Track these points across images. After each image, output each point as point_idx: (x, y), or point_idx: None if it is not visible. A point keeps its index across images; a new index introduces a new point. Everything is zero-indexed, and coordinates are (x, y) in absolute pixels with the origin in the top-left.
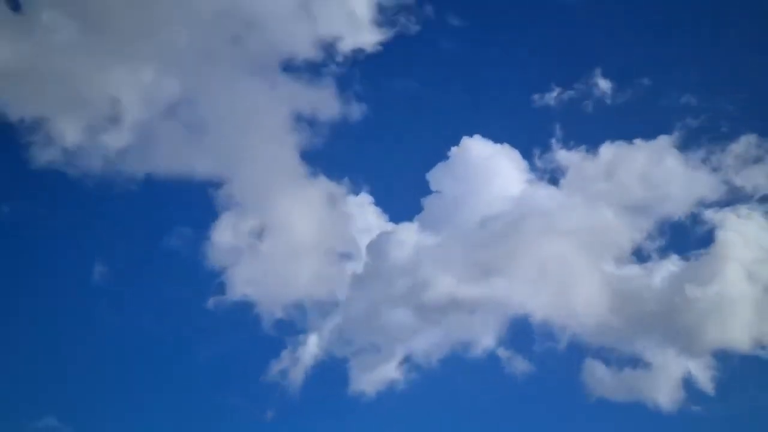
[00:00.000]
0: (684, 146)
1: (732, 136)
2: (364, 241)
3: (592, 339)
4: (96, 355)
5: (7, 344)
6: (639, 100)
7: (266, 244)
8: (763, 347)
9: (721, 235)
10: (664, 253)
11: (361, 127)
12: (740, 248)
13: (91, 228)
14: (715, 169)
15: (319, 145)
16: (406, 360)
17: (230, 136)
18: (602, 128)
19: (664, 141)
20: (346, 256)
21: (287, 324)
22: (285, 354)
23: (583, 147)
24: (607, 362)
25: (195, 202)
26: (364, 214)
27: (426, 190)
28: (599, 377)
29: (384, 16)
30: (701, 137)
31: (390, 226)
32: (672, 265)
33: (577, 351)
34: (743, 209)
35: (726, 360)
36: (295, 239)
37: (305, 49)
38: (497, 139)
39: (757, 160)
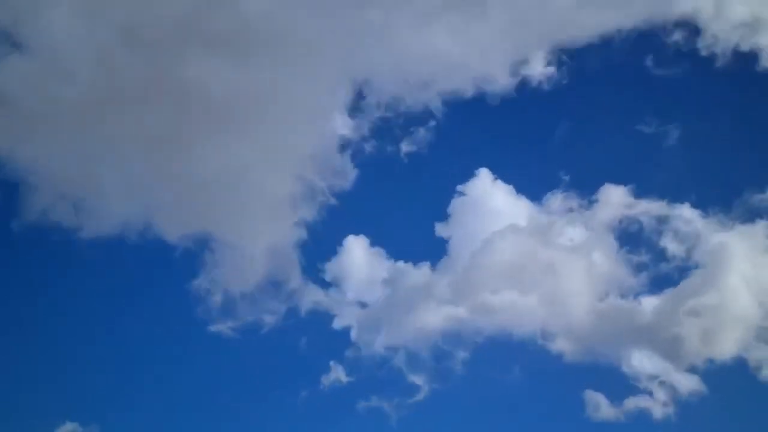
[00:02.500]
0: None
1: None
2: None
3: (587, 359)
4: (116, 358)
5: (23, 351)
6: (638, 145)
7: None
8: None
9: (708, 254)
10: (658, 284)
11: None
12: (728, 265)
13: None
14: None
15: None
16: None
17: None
18: (603, 171)
19: (661, 182)
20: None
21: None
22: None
23: (585, 189)
24: (600, 380)
25: None
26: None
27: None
28: (595, 401)
29: None
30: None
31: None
32: (664, 294)
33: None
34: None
35: (718, 375)
36: None
37: None
38: (502, 179)
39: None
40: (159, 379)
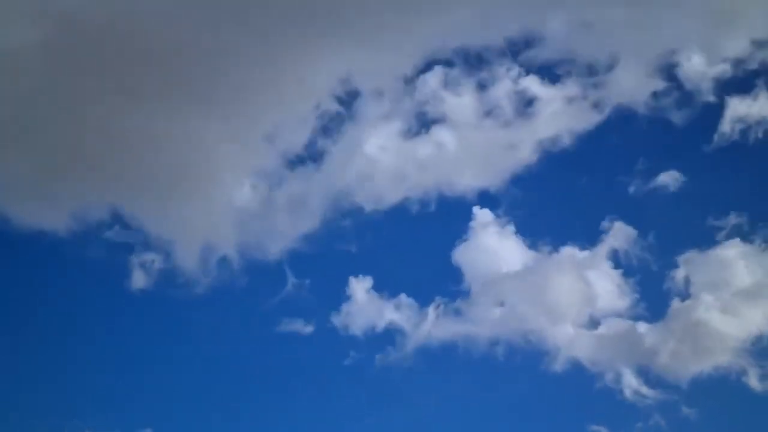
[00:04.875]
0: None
1: None
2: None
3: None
4: (128, 362)
5: (35, 358)
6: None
7: None
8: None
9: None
10: (655, 308)
11: None
12: (721, 286)
13: None
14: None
15: None
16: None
17: None
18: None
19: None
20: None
21: None
22: None
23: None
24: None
25: None
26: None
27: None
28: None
29: None
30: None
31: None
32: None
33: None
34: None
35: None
36: None
37: None
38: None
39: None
40: (170, 377)
